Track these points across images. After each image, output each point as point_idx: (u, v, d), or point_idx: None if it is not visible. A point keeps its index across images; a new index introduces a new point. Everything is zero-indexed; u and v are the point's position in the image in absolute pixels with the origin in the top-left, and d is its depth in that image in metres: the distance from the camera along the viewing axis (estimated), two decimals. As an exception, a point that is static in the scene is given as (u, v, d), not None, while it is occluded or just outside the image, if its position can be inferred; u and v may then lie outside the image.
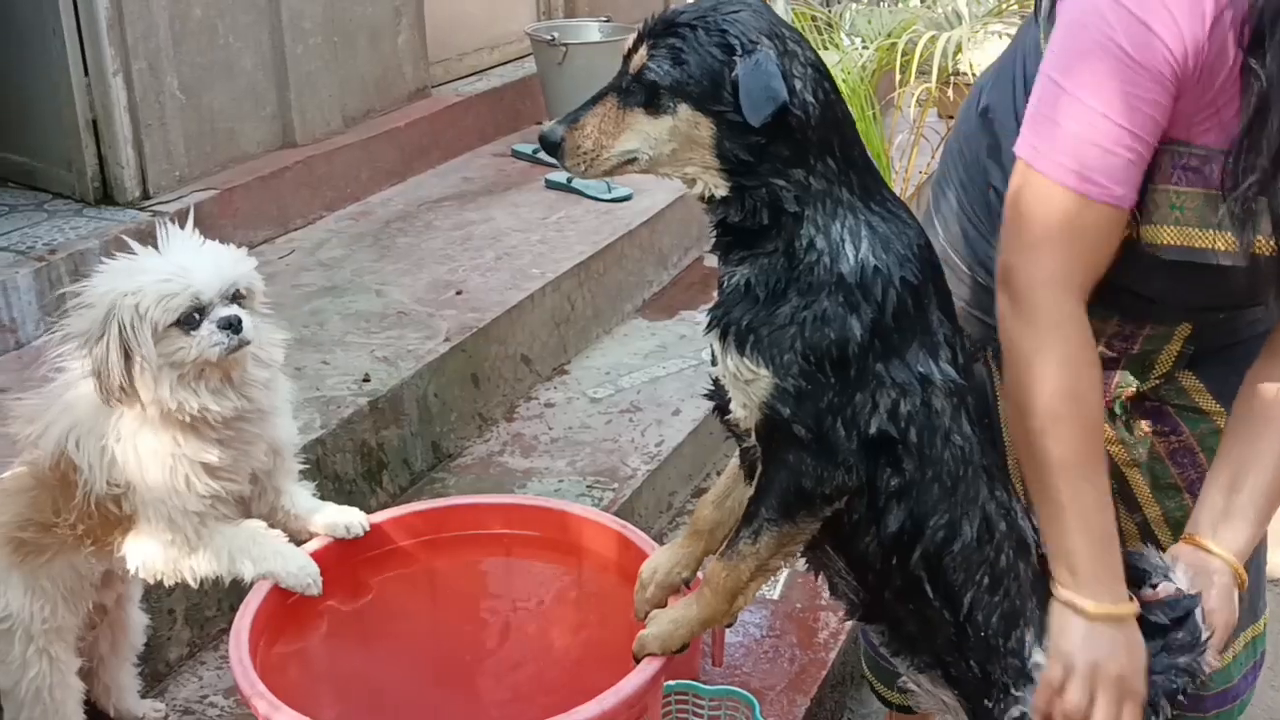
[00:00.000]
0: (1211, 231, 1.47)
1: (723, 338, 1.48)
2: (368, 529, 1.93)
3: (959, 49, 3.92)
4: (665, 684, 1.93)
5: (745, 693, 2.23)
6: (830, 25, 4.39)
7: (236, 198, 3.48)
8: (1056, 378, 1.48)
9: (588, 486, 2.85)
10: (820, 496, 1.49)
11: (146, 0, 3.28)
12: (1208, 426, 1.75)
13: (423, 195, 4.02)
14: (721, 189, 1.45)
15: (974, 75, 4.10)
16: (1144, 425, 1.77)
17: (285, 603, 1.81)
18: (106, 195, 3.35)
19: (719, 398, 1.56)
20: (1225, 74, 1.39)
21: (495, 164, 4.33)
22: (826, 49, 4.08)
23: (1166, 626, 1.56)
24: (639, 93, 1.43)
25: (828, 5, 5.37)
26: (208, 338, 1.71)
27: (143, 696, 2.17)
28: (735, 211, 1.46)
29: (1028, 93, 1.55)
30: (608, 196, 3.94)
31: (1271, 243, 1.44)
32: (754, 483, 1.56)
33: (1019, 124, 1.56)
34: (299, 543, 1.89)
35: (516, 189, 4.08)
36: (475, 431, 3.06)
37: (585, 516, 1.97)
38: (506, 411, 3.18)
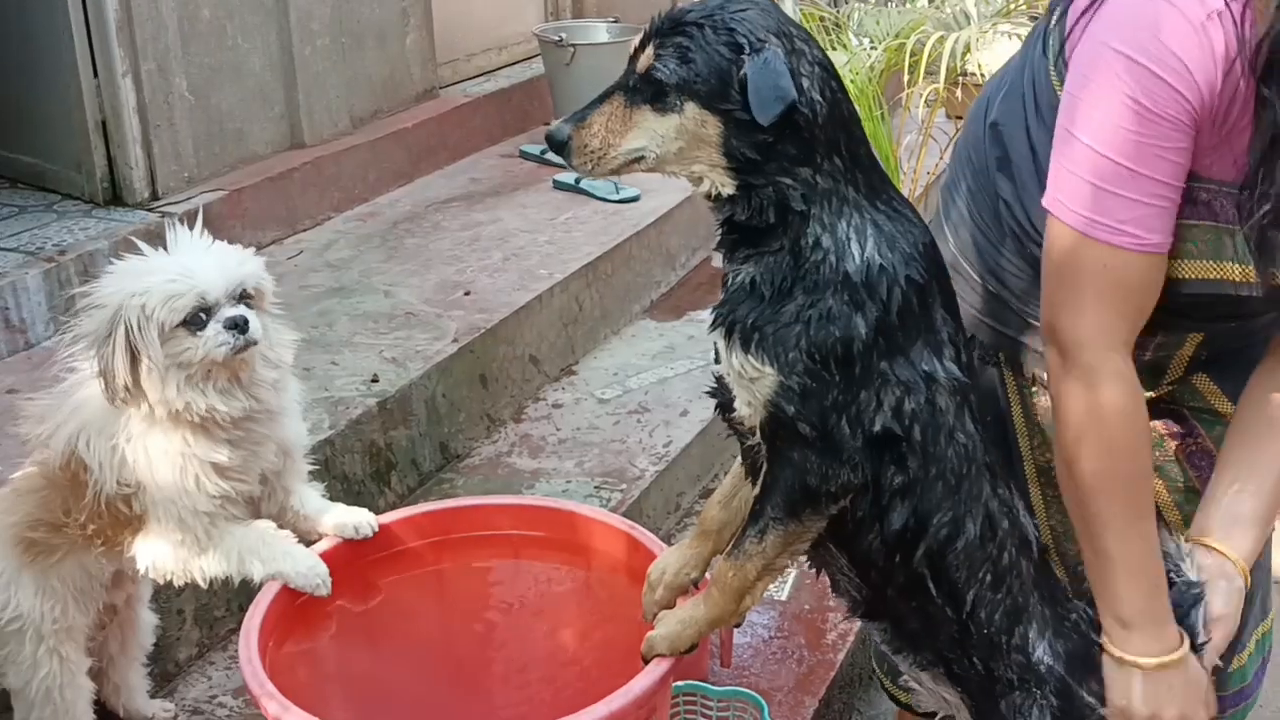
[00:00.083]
0: (1226, 264, 1.48)
1: (728, 336, 1.49)
2: (377, 530, 1.93)
3: (967, 49, 3.91)
4: (673, 685, 1.93)
5: (753, 694, 2.23)
6: (838, 25, 4.38)
7: (245, 199, 3.49)
8: (1107, 438, 1.50)
9: (596, 487, 2.85)
10: (825, 494, 1.49)
11: (155, 2, 3.29)
12: (1224, 429, 1.74)
13: (430, 196, 4.02)
14: (728, 187, 1.45)
15: (982, 76, 4.10)
16: (1159, 427, 1.77)
17: (294, 603, 1.81)
18: (115, 196, 3.35)
19: (722, 396, 1.56)
20: (1238, 107, 1.39)
21: (503, 165, 4.34)
22: (834, 49, 4.08)
23: None
24: (646, 91, 1.43)
25: (835, 5, 5.36)
26: (213, 338, 1.71)
27: (152, 696, 2.17)
28: (742, 210, 1.46)
29: (1037, 110, 1.56)
30: (615, 197, 3.94)
31: None
32: (759, 482, 1.56)
33: (1030, 140, 1.56)
34: (308, 543, 1.89)
35: (524, 190, 4.08)
36: (483, 432, 3.07)
37: (594, 517, 1.97)
38: (514, 412, 3.18)
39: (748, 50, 1.39)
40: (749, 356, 1.46)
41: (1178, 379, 1.75)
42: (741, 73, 1.39)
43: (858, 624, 2.51)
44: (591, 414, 3.19)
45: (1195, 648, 1.57)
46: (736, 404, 1.52)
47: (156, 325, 1.70)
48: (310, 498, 1.95)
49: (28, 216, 3.27)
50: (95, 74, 3.27)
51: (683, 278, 4.05)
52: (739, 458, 1.67)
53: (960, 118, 4.37)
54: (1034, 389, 1.79)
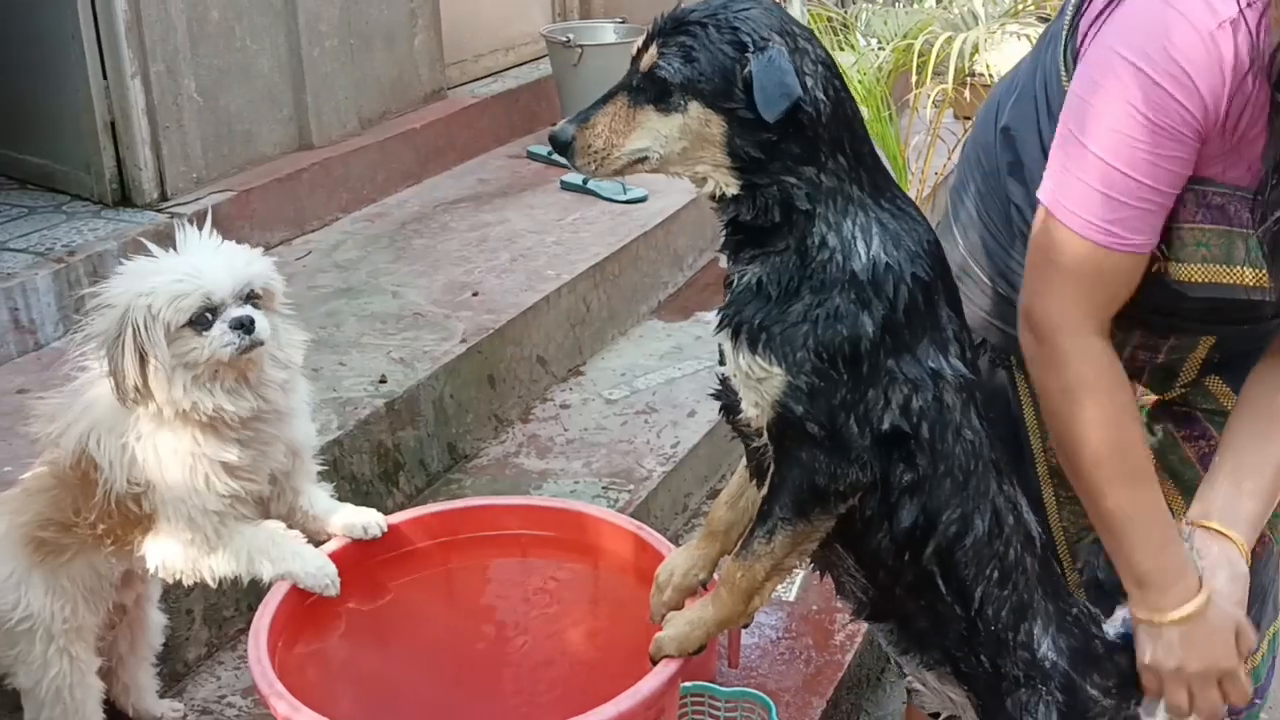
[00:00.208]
0: (1238, 268, 1.48)
1: (734, 337, 1.49)
2: (385, 530, 1.94)
3: (976, 50, 3.91)
4: (681, 685, 1.93)
5: (761, 694, 2.23)
6: (846, 26, 4.38)
7: (253, 199, 3.50)
8: (1098, 433, 1.53)
9: (603, 488, 2.85)
10: (834, 493, 1.49)
11: (164, 3, 3.30)
12: None
13: (438, 197, 4.03)
14: (732, 187, 1.45)
15: (990, 76, 4.09)
16: (1173, 430, 1.77)
17: (303, 603, 1.81)
18: (125, 197, 3.36)
19: (727, 397, 1.56)
20: (1251, 114, 1.39)
21: (510, 165, 4.34)
22: (842, 50, 4.08)
23: None
24: (650, 91, 1.43)
25: (843, 6, 5.36)
26: (219, 338, 1.71)
27: (161, 696, 2.17)
28: (746, 210, 1.46)
29: (1050, 114, 1.56)
30: (623, 198, 3.94)
31: None
32: (765, 483, 1.56)
33: (1043, 144, 1.56)
34: (317, 543, 1.89)
35: (532, 190, 4.09)
36: (491, 433, 3.07)
37: (602, 518, 1.97)
38: (522, 413, 3.18)
39: (752, 48, 1.39)
40: (756, 357, 1.46)
41: (1190, 381, 1.75)
42: (746, 71, 1.39)
43: (865, 625, 2.51)
44: (599, 414, 3.19)
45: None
46: (744, 405, 1.52)
47: (163, 325, 1.70)
48: (319, 498, 1.95)
49: (37, 217, 3.28)
50: (104, 75, 3.28)
51: (690, 278, 4.05)
52: (745, 457, 1.67)
53: (968, 118, 4.36)
54: None
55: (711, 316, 1.55)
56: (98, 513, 1.80)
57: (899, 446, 1.48)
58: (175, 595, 2.22)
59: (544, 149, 4.31)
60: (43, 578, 1.85)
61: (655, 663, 1.65)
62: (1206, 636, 1.54)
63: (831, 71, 1.45)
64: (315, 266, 3.47)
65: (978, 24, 4.17)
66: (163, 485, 1.78)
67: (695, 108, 1.41)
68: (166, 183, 3.39)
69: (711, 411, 3.17)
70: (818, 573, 1.69)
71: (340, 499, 2.01)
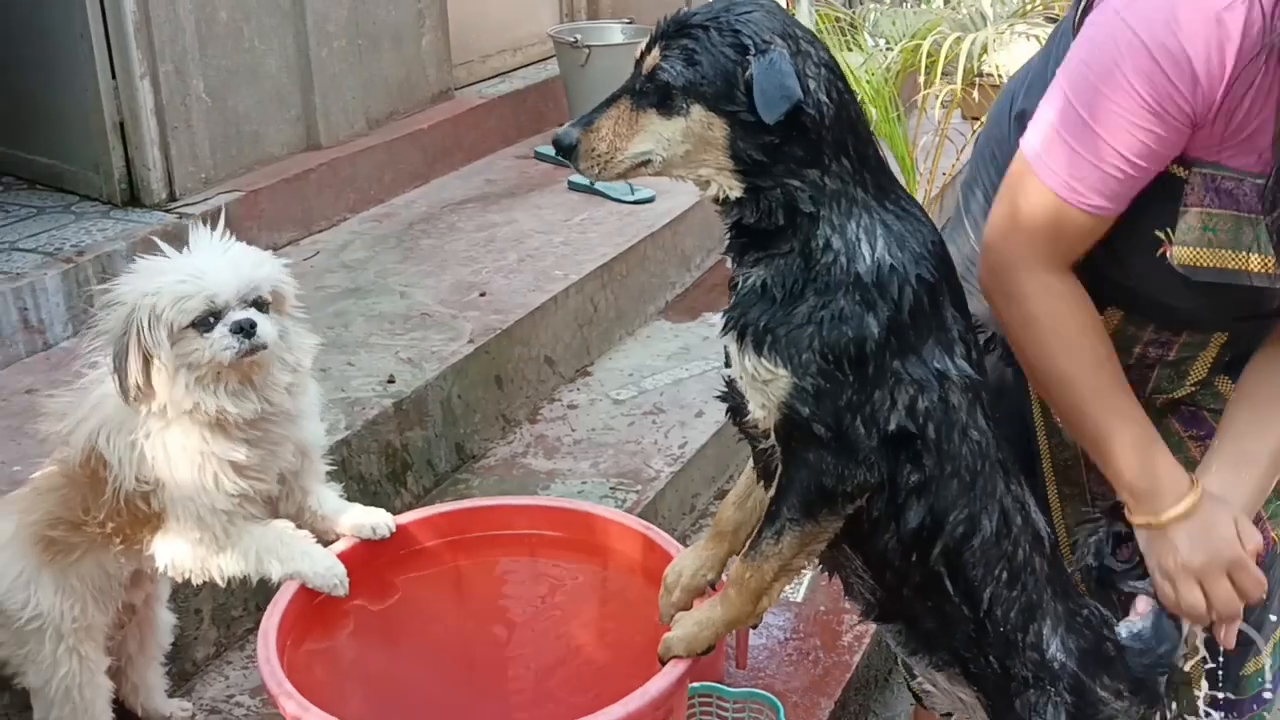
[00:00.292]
0: (1244, 253, 1.47)
1: (740, 339, 1.49)
2: (394, 530, 1.94)
3: (984, 50, 3.90)
4: (689, 686, 1.93)
5: (769, 695, 2.23)
6: (854, 26, 4.38)
7: (261, 200, 3.50)
8: (1064, 355, 1.57)
9: (611, 488, 2.85)
10: (842, 494, 1.49)
11: (173, 4, 3.31)
12: None
13: (446, 197, 4.03)
14: (736, 190, 1.45)
15: (999, 76, 4.09)
16: (1180, 429, 1.76)
17: (312, 603, 1.82)
18: (133, 197, 3.37)
19: (733, 399, 1.56)
20: (1260, 97, 1.39)
21: (518, 166, 4.34)
22: (850, 50, 4.07)
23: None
24: (652, 94, 1.44)
25: (850, 6, 5.36)
26: (219, 341, 1.71)
27: (170, 695, 2.18)
28: (750, 213, 1.46)
29: None
30: (630, 198, 3.94)
31: None
32: (773, 484, 1.56)
33: None
34: (326, 543, 1.90)
35: (539, 191, 4.09)
36: (499, 433, 3.07)
37: (610, 518, 1.97)
38: (530, 413, 3.19)
39: (753, 51, 1.39)
40: (762, 359, 1.46)
41: (1200, 380, 1.75)
42: (747, 74, 1.39)
43: (873, 625, 2.51)
44: (606, 415, 3.19)
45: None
46: (750, 407, 1.52)
47: (166, 325, 1.71)
48: (328, 498, 1.95)
49: (46, 217, 3.29)
50: (113, 76, 3.29)
51: (698, 279, 4.05)
52: (752, 459, 1.67)
53: (976, 119, 4.36)
54: None
55: (719, 317, 1.55)
56: (107, 511, 1.81)
57: (905, 447, 1.48)
58: (184, 595, 2.22)
59: (551, 149, 4.30)
60: (52, 577, 1.85)
61: (664, 663, 1.65)
62: (1206, 529, 1.56)
63: (835, 74, 1.45)
64: (323, 267, 3.47)
65: (986, 24, 4.17)
66: (171, 483, 1.78)
67: (697, 111, 1.42)
68: (175, 183, 3.39)
69: (719, 412, 3.16)
70: (826, 573, 1.69)
71: (348, 499, 2.01)
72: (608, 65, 4.10)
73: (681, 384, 3.35)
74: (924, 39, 3.86)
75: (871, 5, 5.35)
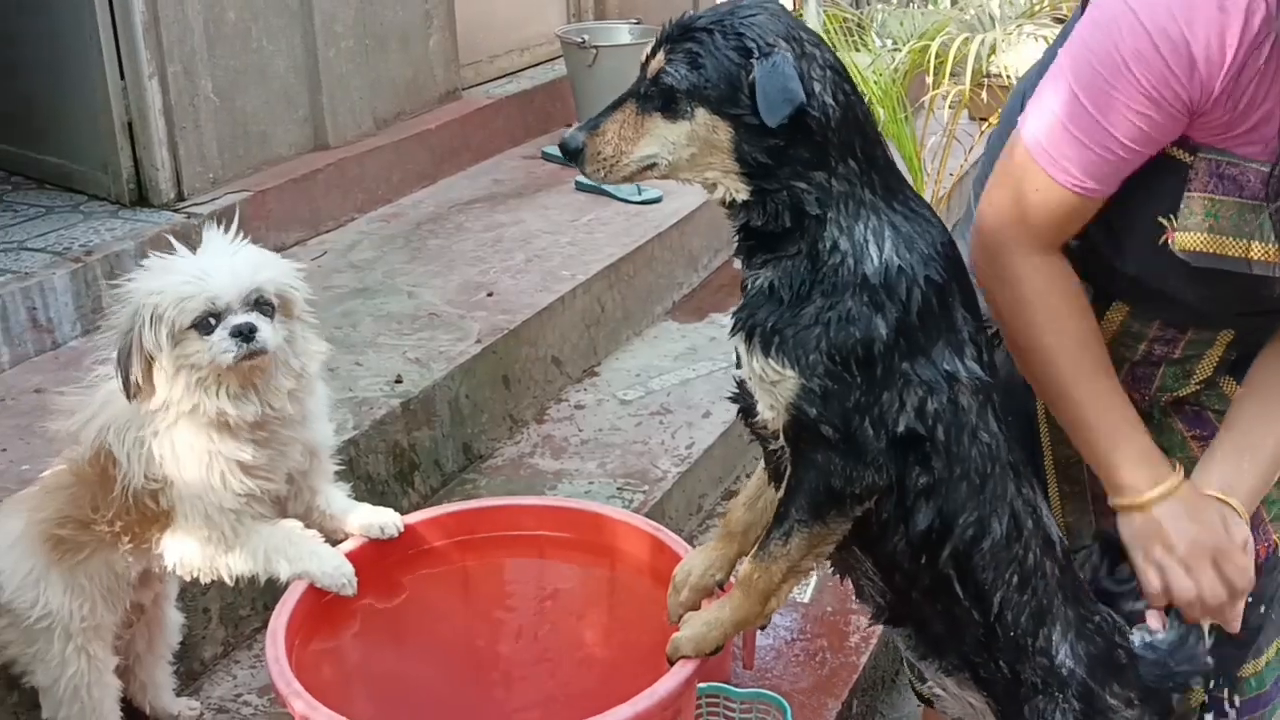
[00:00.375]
0: (1246, 240, 1.47)
1: (748, 340, 1.49)
2: (402, 530, 1.94)
3: (993, 51, 3.90)
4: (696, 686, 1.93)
5: (776, 695, 2.23)
6: (861, 27, 4.38)
7: (269, 200, 3.51)
8: (1050, 337, 1.57)
9: (618, 488, 2.86)
10: (850, 496, 1.48)
11: (181, 4, 3.31)
12: None
13: (453, 197, 4.04)
14: (742, 193, 1.45)
15: (1007, 77, 4.08)
16: (1183, 429, 1.76)
17: (320, 602, 1.82)
18: (141, 197, 3.38)
19: (744, 400, 1.56)
20: (1264, 89, 1.39)
21: (525, 166, 4.35)
22: (857, 51, 4.07)
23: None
24: (657, 98, 1.44)
25: (858, 7, 5.36)
26: (218, 343, 1.71)
27: (178, 694, 2.18)
28: (757, 215, 1.46)
29: None
30: (638, 199, 3.94)
31: None
32: (782, 484, 1.56)
33: None
34: (334, 543, 1.90)
35: (546, 191, 4.09)
36: (506, 433, 3.07)
37: (619, 519, 1.97)
38: (537, 413, 3.19)
39: (756, 54, 1.39)
40: (769, 360, 1.46)
41: (1205, 379, 1.74)
42: (750, 77, 1.39)
43: (880, 626, 2.52)
44: (614, 415, 3.19)
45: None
46: (759, 408, 1.52)
47: (167, 325, 1.71)
48: (336, 498, 1.95)
49: (55, 217, 3.30)
50: (122, 76, 3.30)
51: (705, 279, 4.05)
52: (763, 460, 1.67)
53: (984, 119, 4.35)
54: None
55: (726, 318, 1.55)
56: (115, 509, 1.81)
57: (914, 449, 1.48)
58: (192, 594, 2.22)
59: (559, 150, 4.31)
60: (61, 576, 1.86)
61: (672, 663, 1.65)
62: (1189, 513, 1.55)
63: (841, 76, 1.44)
64: (331, 267, 3.47)
65: (994, 25, 4.16)
66: (179, 482, 1.79)
67: (702, 114, 1.42)
68: (183, 183, 3.40)
69: (726, 412, 3.19)
70: (836, 575, 1.69)
71: (356, 499, 2.01)
72: (615, 66, 4.10)
73: (688, 384, 3.35)
74: (932, 40, 3.86)
75: (879, 6, 5.35)
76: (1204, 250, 1.49)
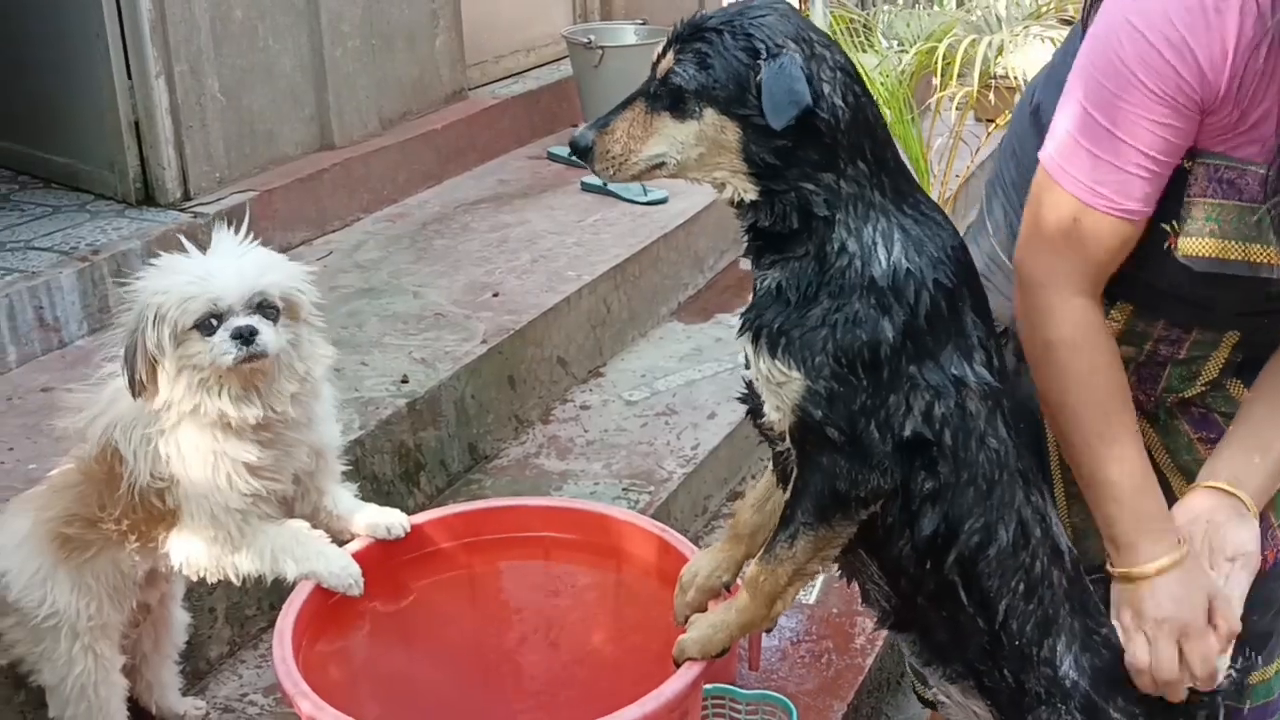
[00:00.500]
0: (1246, 244, 1.47)
1: (755, 340, 1.49)
2: (409, 530, 1.94)
3: (1000, 52, 3.90)
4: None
5: (782, 697, 2.23)
6: (867, 28, 4.37)
7: (275, 199, 3.51)
8: (1077, 390, 1.55)
9: (623, 489, 2.85)
10: (855, 499, 1.48)
11: (188, 3, 3.31)
12: None
13: (459, 197, 4.04)
14: (750, 193, 1.45)
15: (1014, 78, 4.08)
16: (1189, 430, 1.76)
17: (327, 603, 1.82)
18: (148, 196, 3.38)
19: (753, 401, 1.56)
20: (1261, 85, 1.39)
21: (531, 166, 4.35)
22: (864, 52, 4.07)
23: None
24: (665, 97, 1.44)
25: (864, 8, 5.35)
26: (219, 345, 1.71)
27: (184, 694, 2.18)
28: (765, 216, 1.46)
29: None
30: (643, 199, 3.94)
31: None
32: (789, 487, 1.56)
33: None
34: (340, 543, 1.90)
35: (552, 191, 4.09)
36: (511, 433, 3.07)
37: (626, 520, 1.97)
38: (542, 414, 3.19)
39: (765, 55, 1.39)
40: (775, 361, 1.46)
41: (1211, 381, 1.74)
42: (758, 78, 1.39)
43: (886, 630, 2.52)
44: (619, 416, 3.19)
45: None
46: (765, 409, 1.52)
47: (170, 326, 1.71)
48: (343, 498, 1.95)
49: (61, 216, 3.30)
50: (129, 75, 3.30)
51: (710, 280, 4.05)
52: (771, 462, 1.67)
53: (991, 121, 4.35)
54: None
55: (732, 318, 1.56)
56: (122, 508, 1.81)
57: (921, 454, 1.47)
58: (198, 594, 2.22)
59: (564, 150, 4.31)
60: (68, 575, 1.86)
61: (679, 665, 1.65)
62: (1181, 585, 1.54)
63: (851, 77, 1.44)
64: (336, 267, 3.47)
65: (1001, 26, 4.16)
66: (186, 481, 1.79)
67: (710, 114, 1.42)
68: (189, 182, 3.40)
69: (732, 413, 3.19)
70: (844, 579, 1.69)
71: (362, 499, 2.01)
72: (621, 66, 4.10)
73: (694, 385, 3.35)
74: (939, 41, 3.86)
75: (885, 7, 5.34)
76: (1207, 255, 1.49)
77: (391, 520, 1.94)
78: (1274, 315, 1.62)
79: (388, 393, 2.78)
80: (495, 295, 3.28)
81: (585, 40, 4.25)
